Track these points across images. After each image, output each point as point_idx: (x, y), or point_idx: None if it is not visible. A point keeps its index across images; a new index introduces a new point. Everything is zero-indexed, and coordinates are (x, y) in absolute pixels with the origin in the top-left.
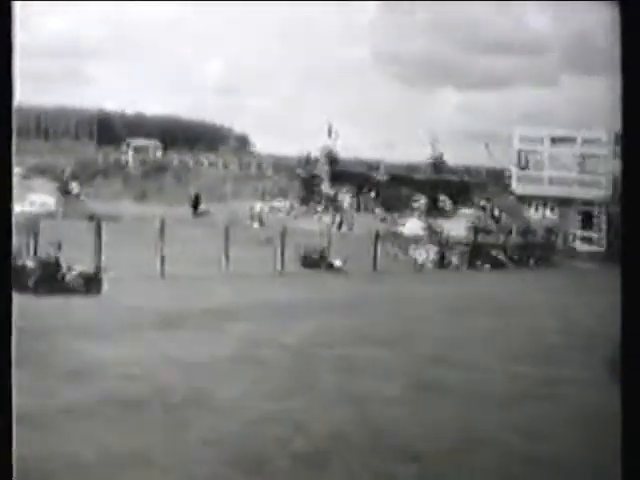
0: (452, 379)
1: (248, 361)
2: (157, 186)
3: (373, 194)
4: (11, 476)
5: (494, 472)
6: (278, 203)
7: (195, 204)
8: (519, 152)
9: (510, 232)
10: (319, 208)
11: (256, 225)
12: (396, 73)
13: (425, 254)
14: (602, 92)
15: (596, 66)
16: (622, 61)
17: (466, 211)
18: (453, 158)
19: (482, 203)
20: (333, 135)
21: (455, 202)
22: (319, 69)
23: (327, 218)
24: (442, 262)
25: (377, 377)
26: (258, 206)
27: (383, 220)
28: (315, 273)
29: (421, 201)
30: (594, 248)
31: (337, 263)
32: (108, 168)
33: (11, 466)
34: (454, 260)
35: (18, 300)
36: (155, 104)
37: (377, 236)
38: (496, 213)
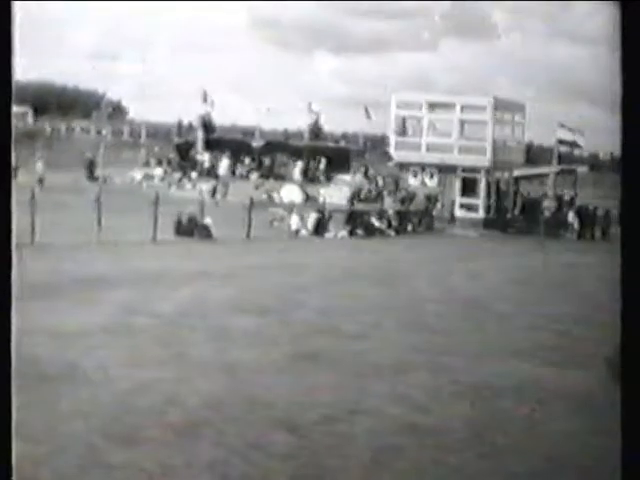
0: (330, 349)
1: (121, 330)
2: (28, 154)
3: (249, 161)
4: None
5: (371, 442)
6: (152, 170)
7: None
8: (397, 118)
9: (385, 198)
10: (194, 175)
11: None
12: (272, 38)
13: (300, 221)
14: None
15: (475, 31)
16: (622, 60)
17: (344, 178)
18: (330, 124)
19: (361, 169)
20: (208, 101)
21: (333, 169)
22: (195, 35)
23: (202, 185)
24: (319, 229)
25: (253, 346)
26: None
27: (258, 187)
28: (188, 241)
29: (298, 167)
30: (474, 215)
31: (209, 227)
32: None
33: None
34: (331, 227)
35: None
36: (28, 69)
37: (251, 203)
38: (375, 180)
